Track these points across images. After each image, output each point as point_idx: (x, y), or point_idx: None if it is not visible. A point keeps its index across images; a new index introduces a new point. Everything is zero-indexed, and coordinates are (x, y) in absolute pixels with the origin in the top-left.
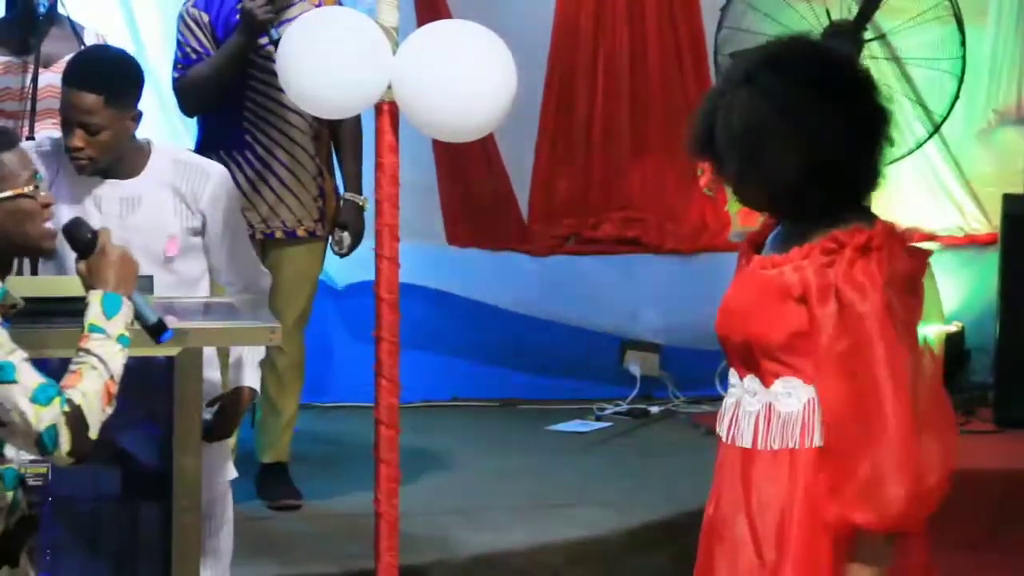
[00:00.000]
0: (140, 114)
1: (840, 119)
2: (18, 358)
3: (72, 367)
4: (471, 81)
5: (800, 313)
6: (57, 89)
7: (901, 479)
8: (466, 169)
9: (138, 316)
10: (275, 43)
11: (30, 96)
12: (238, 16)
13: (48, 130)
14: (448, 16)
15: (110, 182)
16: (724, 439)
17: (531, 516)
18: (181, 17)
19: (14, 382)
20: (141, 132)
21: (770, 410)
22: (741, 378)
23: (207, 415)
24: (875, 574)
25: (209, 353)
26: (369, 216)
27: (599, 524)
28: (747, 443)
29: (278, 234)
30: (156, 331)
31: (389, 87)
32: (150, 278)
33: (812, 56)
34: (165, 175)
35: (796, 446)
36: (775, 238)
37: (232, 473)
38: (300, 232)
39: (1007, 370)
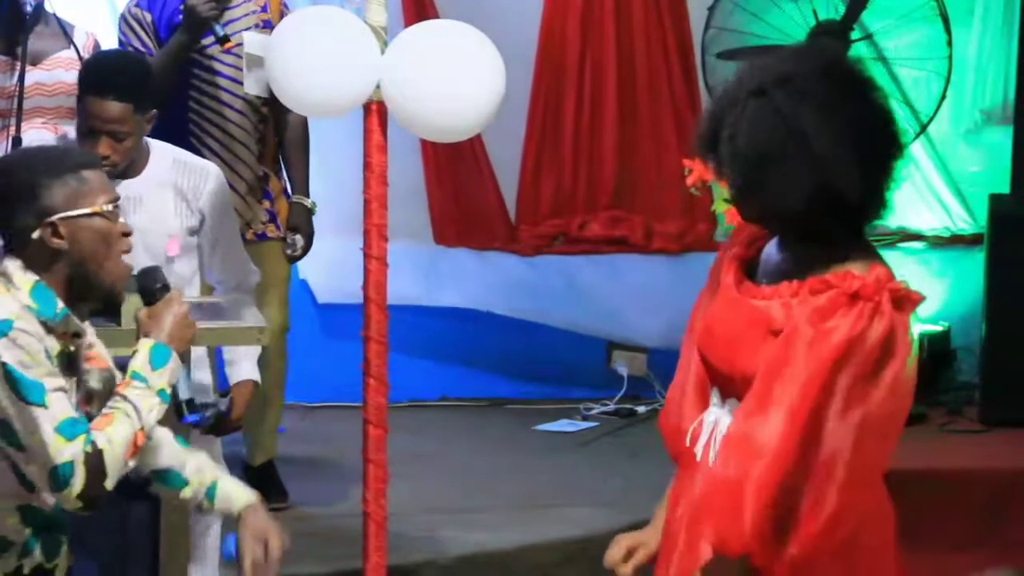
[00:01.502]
0: (155, 115)
1: (851, 148)
2: (52, 384)
3: (105, 410)
4: (460, 81)
5: None
6: (45, 88)
7: (752, 505)
8: (454, 169)
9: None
10: (220, 41)
11: (16, 95)
12: (181, 14)
13: (36, 130)
14: (436, 16)
15: (112, 182)
16: (697, 457)
17: (519, 516)
18: (123, 17)
19: (43, 406)
20: None
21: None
22: (722, 400)
23: (216, 408)
24: None
25: (199, 353)
26: (358, 216)
27: (587, 523)
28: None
29: None
30: (183, 409)
31: (378, 87)
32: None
33: (830, 76)
34: (166, 175)
35: None
36: (770, 262)
37: None
38: (248, 235)
39: (993, 370)
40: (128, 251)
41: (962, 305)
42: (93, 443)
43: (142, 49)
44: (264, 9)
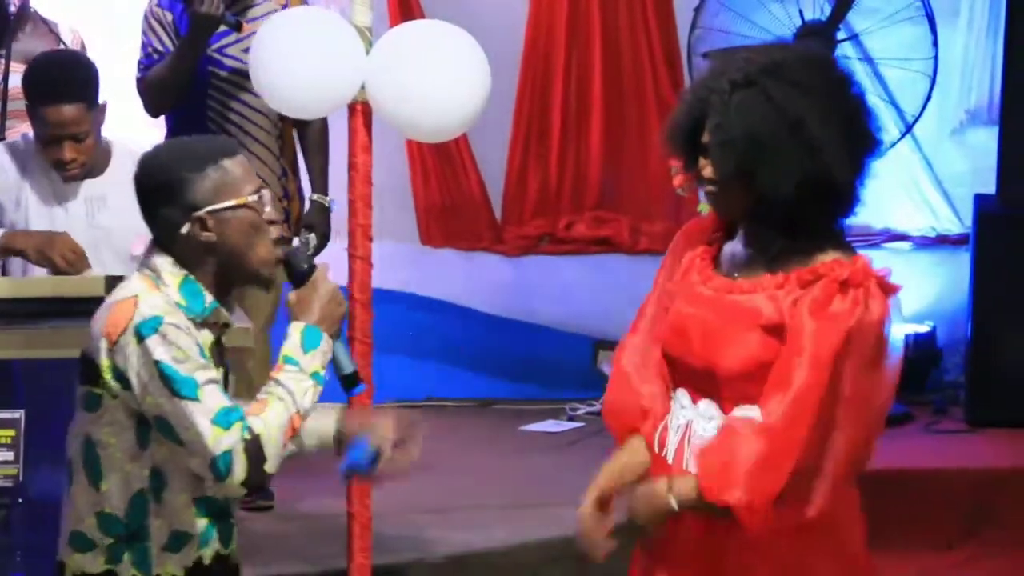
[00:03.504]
0: (105, 104)
1: (841, 138)
2: (204, 377)
3: (259, 396)
4: (445, 81)
5: (769, 343)
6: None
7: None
8: (439, 170)
9: (334, 360)
10: (235, 28)
11: (1, 95)
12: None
13: (26, 130)
14: (421, 16)
15: (81, 183)
16: (669, 461)
17: (506, 516)
18: (145, 17)
19: (196, 399)
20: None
21: None
22: (695, 402)
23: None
24: (655, 501)
25: None
26: (343, 216)
27: (573, 523)
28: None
29: None
30: (350, 382)
31: (363, 87)
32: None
33: (818, 67)
34: (127, 172)
35: None
36: (738, 256)
37: None
38: None
39: (979, 370)
40: (276, 238)
41: (948, 305)
42: (250, 429)
43: (161, 49)
44: (285, 7)
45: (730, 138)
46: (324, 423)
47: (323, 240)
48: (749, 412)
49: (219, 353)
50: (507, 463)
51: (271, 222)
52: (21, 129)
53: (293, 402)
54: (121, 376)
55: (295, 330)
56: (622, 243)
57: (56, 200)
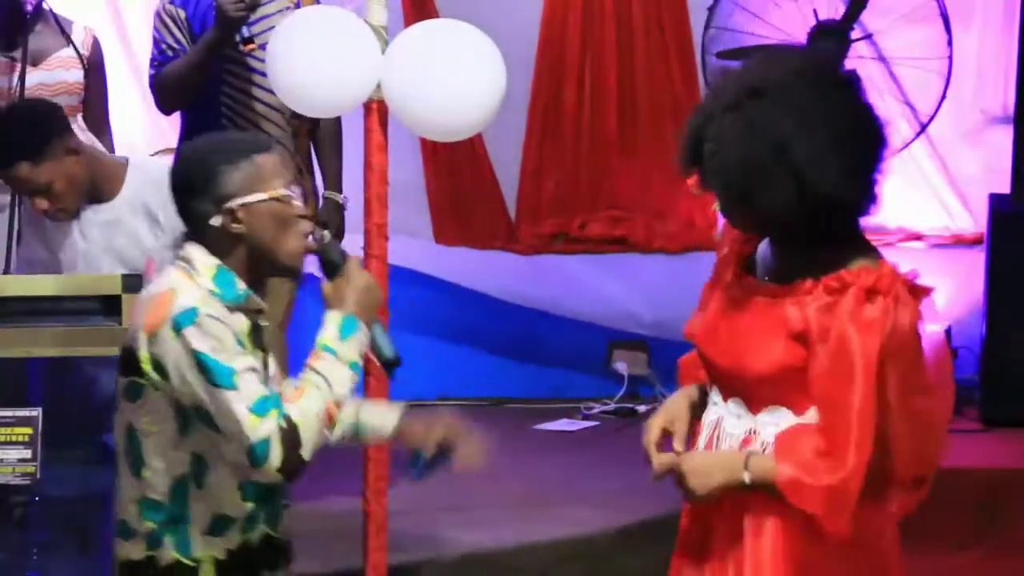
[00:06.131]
0: (75, 146)
1: (831, 149)
2: (241, 365)
3: (296, 383)
4: (460, 80)
5: (796, 350)
6: (48, 88)
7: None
8: (454, 168)
9: (374, 347)
10: (244, 42)
11: (17, 95)
12: (214, 11)
13: None
14: (436, 15)
15: (91, 207)
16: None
17: (519, 515)
18: (158, 14)
19: (233, 388)
20: (130, 131)
21: (755, 437)
22: (725, 400)
23: None
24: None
25: None
26: (358, 215)
27: (587, 523)
28: None
29: None
30: (391, 365)
31: (378, 86)
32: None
33: (804, 78)
34: (137, 195)
35: None
36: (768, 258)
37: None
38: None
39: (993, 369)
40: (306, 231)
41: (962, 304)
42: (287, 417)
43: (175, 46)
44: (298, 6)
45: (721, 165)
46: (384, 422)
47: (337, 237)
48: (777, 416)
49: (257, 338)
50: (521, 462)
51: (301, 216)
52: None
53: (329, 390)
54: (160, 367)
55: (331, 320)
56: (637, 242)
57: (76, 227)
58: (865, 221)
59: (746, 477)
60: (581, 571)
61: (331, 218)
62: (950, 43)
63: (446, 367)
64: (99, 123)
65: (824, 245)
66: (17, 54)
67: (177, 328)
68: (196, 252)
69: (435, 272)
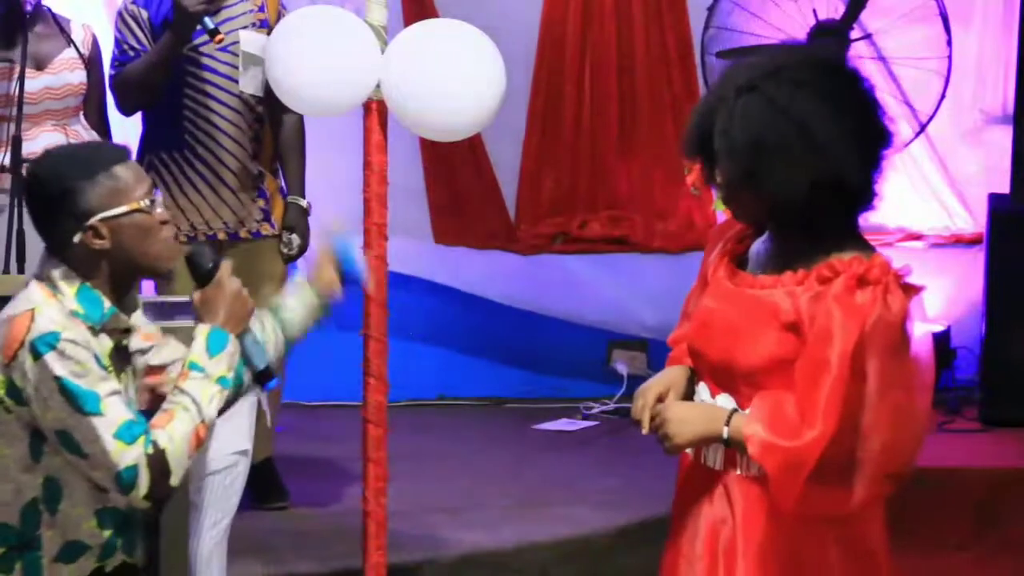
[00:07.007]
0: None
1: (849, 135)
2: (105, 389)
3: (165, 406)
4: (460, 80)
5: (787, 340)
6: (55, 91)
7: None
8: (453, 168)
9: (245, 358)
10: (210, 34)
11: (16, 98)
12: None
13: (48, 132)
14: (435, 15)
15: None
16: (688, 451)
17: (519, 515)
18: (120, 14)
19: (100, 414)
20: (130, 131)
21: None
22: (713, 395)
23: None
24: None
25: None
26: (358, 215)
27: (587, 522)
28: (718, 465)
29: (220, 235)
30: (262, 378)
31: (378, 86)
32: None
33: (822, 67)
34: None
35: None
36: (762, 254)
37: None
38: (243, 233)
39: (993, 369)
40: (170, 236)
41: (962, 304)
42: (154, 443)
43: (136, 46)
44: (261, 9)
45: (736, 145)
46: (303, 309)
47: (304, 240)
48: None
49: (122, 358)
50: (521, 462)
51: (163, 222)
52: (36, 132)
53: (198, 412)
54: (16, 392)
55: (201, 334)
56: (636, 242)
57: None
58: (864, 220)
59: (725, 432)
60: (581, 571)
61: (296, 222)
62: (949, 43)
63: (446, 367)
64: (99, 121)
65: (821, 237)
66: (15, 56)
67: (36, 353)
68: (58, 272)
69: (435, 272)
